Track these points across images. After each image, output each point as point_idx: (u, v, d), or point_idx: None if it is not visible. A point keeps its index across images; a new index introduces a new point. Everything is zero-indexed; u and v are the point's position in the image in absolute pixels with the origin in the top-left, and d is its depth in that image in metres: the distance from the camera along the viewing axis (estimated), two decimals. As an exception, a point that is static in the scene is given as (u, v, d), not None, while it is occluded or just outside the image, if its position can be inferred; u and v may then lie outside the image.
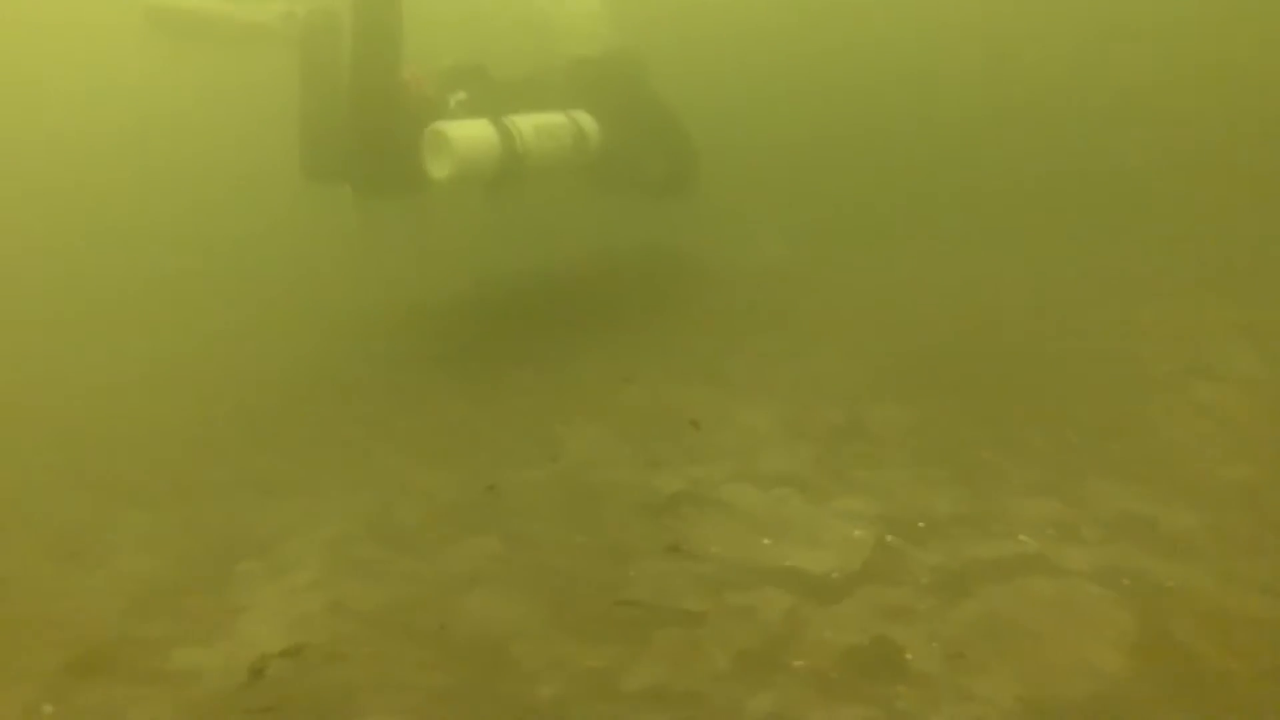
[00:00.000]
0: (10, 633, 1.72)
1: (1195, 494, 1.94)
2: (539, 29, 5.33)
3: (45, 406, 3.53)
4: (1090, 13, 6.66)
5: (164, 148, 7.75)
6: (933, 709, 1.38)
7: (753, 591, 1.69)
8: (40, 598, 1.86)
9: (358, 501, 2.28)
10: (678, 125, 5.00)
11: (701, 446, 2.37)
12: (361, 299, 5.14)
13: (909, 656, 1.48)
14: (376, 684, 1.53)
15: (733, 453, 2.30)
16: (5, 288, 5.44)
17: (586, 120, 4.11)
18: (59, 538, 2.13)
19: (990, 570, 1.71)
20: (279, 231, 6.94)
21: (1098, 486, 2.01)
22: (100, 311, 5.57)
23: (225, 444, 2.84)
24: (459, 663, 1.58)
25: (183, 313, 5.41)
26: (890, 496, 2.00)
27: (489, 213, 4.50)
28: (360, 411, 3.07)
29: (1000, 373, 2.82)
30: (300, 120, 3.79)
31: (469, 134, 3.45)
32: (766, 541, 1.87)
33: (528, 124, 3.70)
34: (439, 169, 3.38)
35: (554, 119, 3.92)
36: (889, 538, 1.82)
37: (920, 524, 1.88)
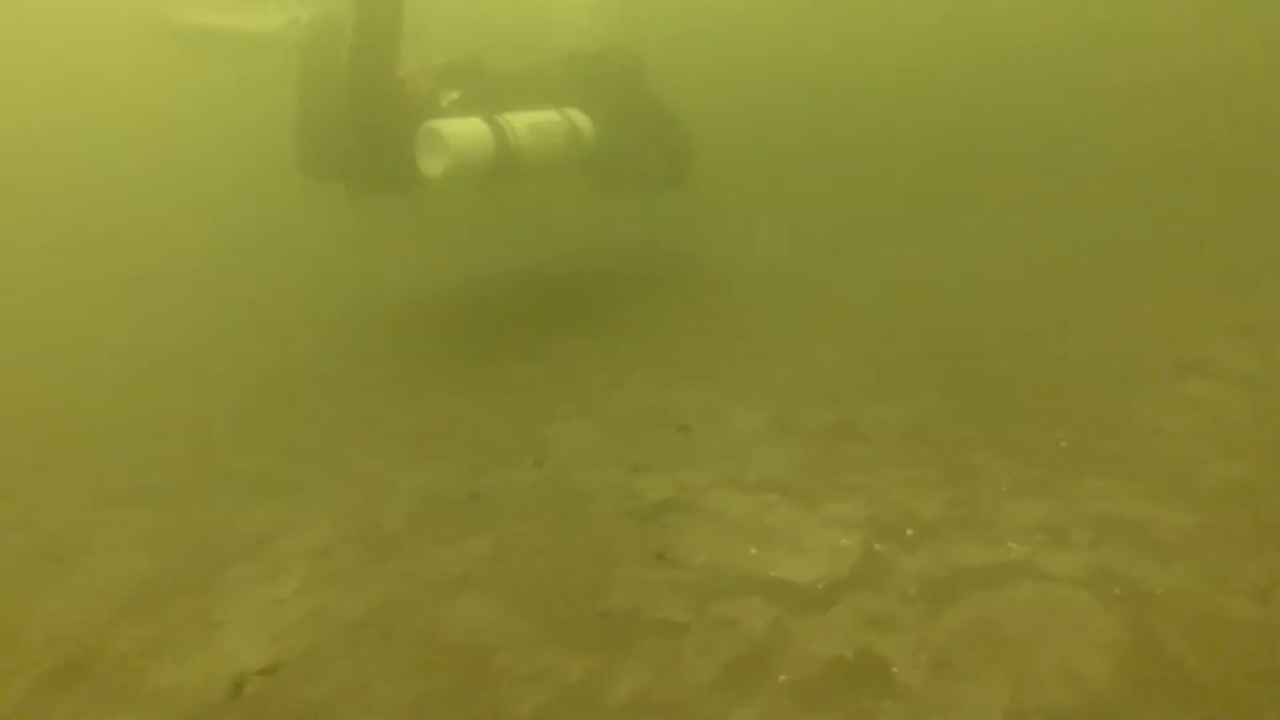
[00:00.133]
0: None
1: (1186, 494, 1.92)
2: (535, 25, 5.29)
3: (38, 406, 3.52)
4: (1089, 13, 6.62)
5: (160, 148, 7.72)
6: (917, 723, 1.36)
7: (737, 601, 1.67)
8: (16, 605, 1.85)
9: (346, 502, 2.27)
10: (674, 121, 4.97)
11: (690, 450, 2.35)
12: (357, 297, 5.13)
13: (894, 669, 1.46)
14: (355, 699, 1.52)
15: (722, 456, 2.28)
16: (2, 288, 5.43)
17: (580, 117, 4.09)
18: (44, 541, 2.12)
19: (978, 578, 1.68)
20: (274, 229, 6.94)
21: (1088, 487, 1.99)
22: (95, 311, 5.57)
23: (217, 443, 2.83)
24: (439, 675, 1.56)
25: (177, 311, 5.41)
26: (879, 501, 1.98)
27: (484, 210, 4.49)
28: (352, 410, 3.06)
29: (994, 371, 2.80)
30: (298, 120, 3.77)
31: (462, 131, 3.42)
32: (753, 550, 1.85)
33: (521, 121, 3.67)
34: (433, 166, 3.36)
35: (548, 116, 3.89)
36: (876, 545, 1.80)
37: (909, 530, 1.86)
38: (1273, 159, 4.97)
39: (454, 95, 3.74)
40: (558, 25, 5.19)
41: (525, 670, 1.56)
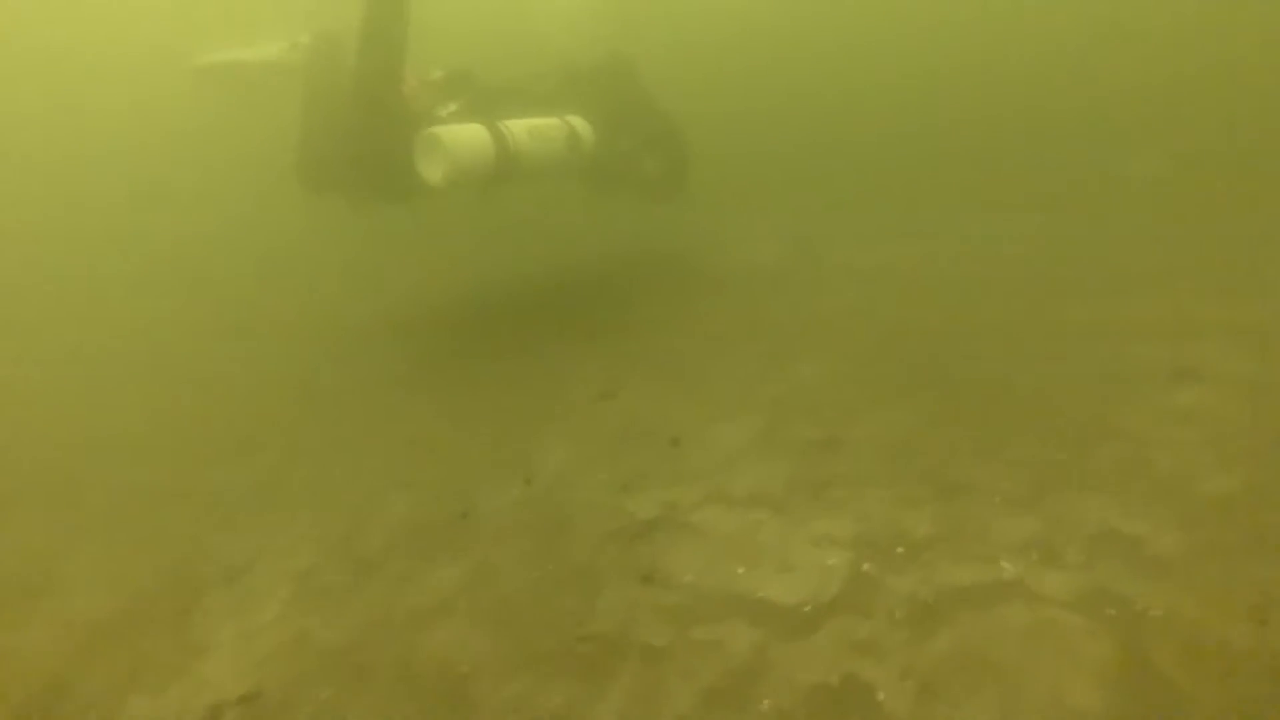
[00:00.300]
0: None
1: (1181, 509, 1.88)
2: (532, 33, 5.31)
3: (24, 424, 3.52)
4: (1088, 15, 6.59)
5: (167, 161, 7.76)
6: (902, 752, 1.33)
7: (721, 625, 1.64)
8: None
9: (331, 524, 2.25)
10: (671, 127, 4.98)
11: (678, 467, 2.32)
12: (351, 307, 5.13)
13: (880, 696, 1.43)
14: (332, 729, 1.49)
15: (710, 473, 2.25)
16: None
17: (580, 123, 4.09)
18: (20, 570, 2.10)
19: (968, 599, 1.65)
20: (262, 240, 6.96)
21: (1080, 503, 1.95)
22: (72, 320, 5.59)
23: (199, 463, 2.82)
24: (417, 705, 1.54)
25: (159, 325, 5.41)
26: (868, 519, 1.94)
27: (483, 215, 4.48)
28: (337, 428, 3.05)
29: (988, 379, 2.75)
30: (301, 134, 3.78)
31: (462, 137, 3.43)
32: (740, 570, 1.82)
33: (521, 127, 3.69)
34: (433, 172, 3.36)
35: (547, 121, 3.90)
36: (865, 565, 1.76)
37: (898, 549, 1.82)
38: (1274, 159, 4.92)
39: (452, 107, 3.75)
40: (555, 32, 5.21)
41: (505, 698, 1.53)
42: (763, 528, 1.96)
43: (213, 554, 2.09)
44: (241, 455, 2.87)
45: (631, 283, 5.11)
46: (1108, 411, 2.42)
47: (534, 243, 6.10)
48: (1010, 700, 1.41)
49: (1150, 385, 2.54)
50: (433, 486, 2.40)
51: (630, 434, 2.59)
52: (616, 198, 5.11)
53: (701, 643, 1.60)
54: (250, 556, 2.05)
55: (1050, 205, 5.34)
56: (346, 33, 3.58)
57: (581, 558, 1.94)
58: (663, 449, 2.43)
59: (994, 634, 1.56)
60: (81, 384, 4.18)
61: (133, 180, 7.82)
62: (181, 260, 6.91)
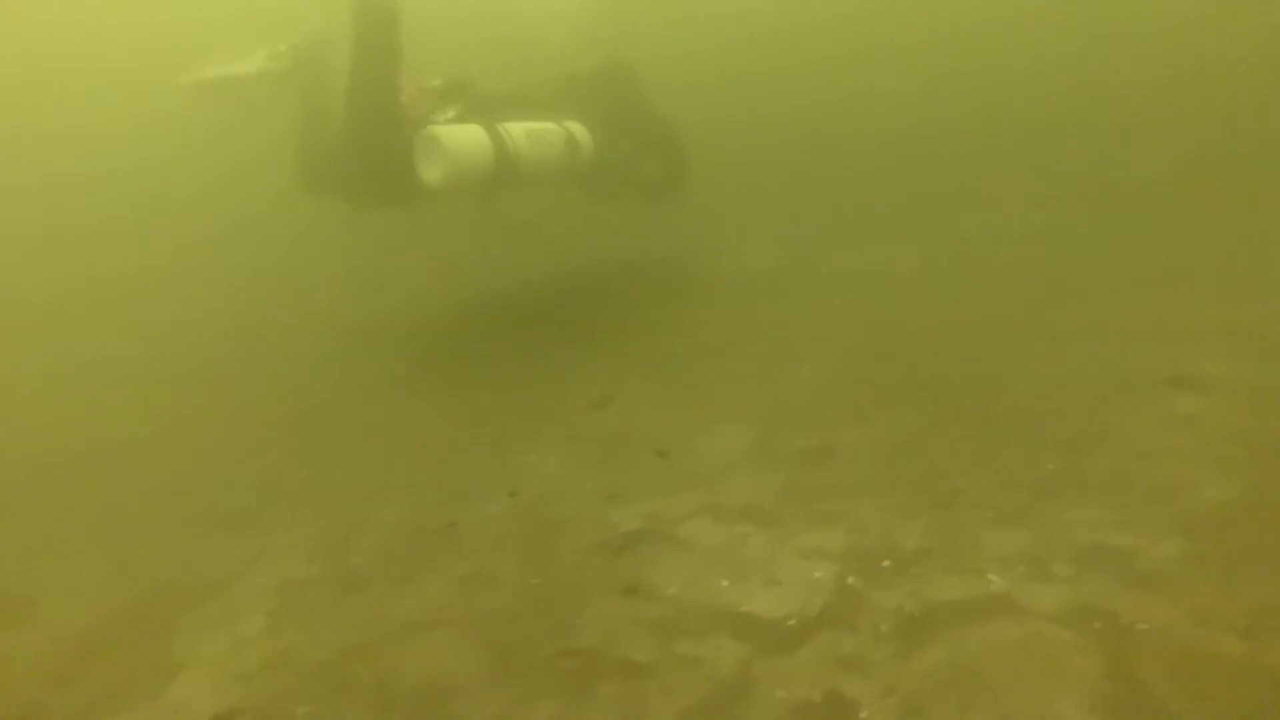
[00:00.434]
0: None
1: (1172, 521, 1.85)
2: (528, 38, 5.32)
3: (8, 423, 3.51)
4: (1083, 17, 6.57)
5: (155, 154, 7.76)
6: (885, 772, 1.31)
7: (705, 640, 1.62)
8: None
9: (318, 536, 2.24)
10: (669, 132, 5.00)
11: (667, 477, 2.30)
12: (345, 313, 5.13)
13: (863, 714, 1.41)
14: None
15: (699, 484, 2.23)
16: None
17: (578, 128, 4.11)
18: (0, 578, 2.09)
19: (955, 614, 1.63)
20: (262, 245, 6.97)
21: (1072, 514, 1.93)
22: (73, 322, 5.60)
23: (193, 469, 2.81)
24: (397, 721, 1.52)
25: (160, 328, 5.42)
26: (856, 530, 1.93)
27: (482, 218, 4.48)
28: (325, 437, 3.04)
29: (982, 384, 2.73)
30: (299, 140, 3.79)
31: (461, 138, 3.44)
32: (725, 583, 1.80)
33: (519, 130, 3.71)
34: (431, 172, 3.37)
35: (546, 126, 3.92)
36: (850, 579, 1.74)
37: (886, 562, 1.80)
38: (1273, 159, 4.89)
39: (451, 114, 3.77)
40: (551, 35, 5.21)
41: (486, 716, 1.52)
42: (750, 540, 1.94)
43: (201, 565, 2.08)
44: (236, 461, 2.87)
45: (628, 286, 5.11)
46: (1104, 418, 2.39)
47: (533, 246, 6.10)
48: (995, 716, 1.39)
49: (1147, 390, 2.51)
50: (423, 494, 2.39)
51: (621, 442, 2.58)
52: (615, 202, 5.12)
53: (684, 658, 1.58)
54: (238, 567, 2.04)
55: (1050, 205, 5.32)
56: (329, 35, 3.59)
57: (567, 570, 1.92)
58: (652, 458, 2.42)
59: (980, 649, 1.54)
60: (82, 387, 4.19)
61: (135, 184, 7.84)
62: (182, 263, 6.93)
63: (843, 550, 1.86)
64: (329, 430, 3.10)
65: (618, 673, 1.56)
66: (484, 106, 3.82)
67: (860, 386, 2.83)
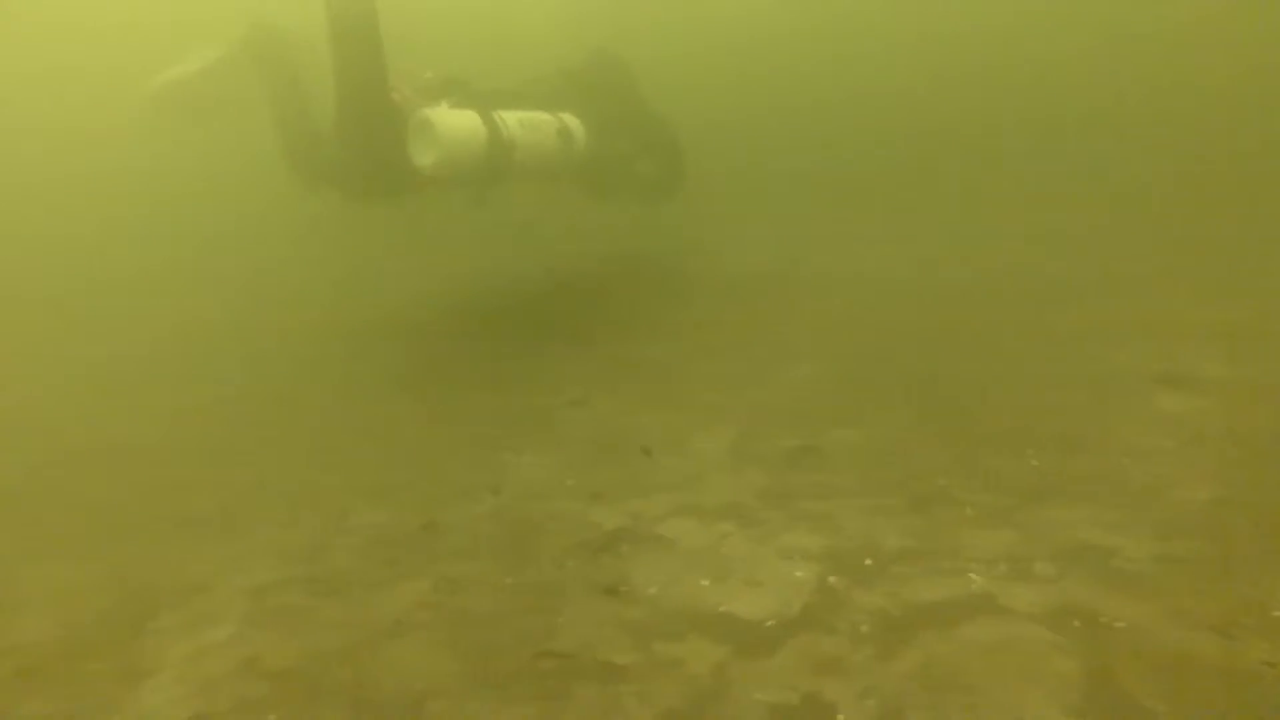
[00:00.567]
0: None
1: (1153, 520, 1.85)
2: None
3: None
4: (1083, 18, 6.58)
5: (148, 152, 7.66)
6: (862, 775, 1.30)
7: (684, 642, 1.60)
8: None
9: (292, 539, 2.20)
10: (666, 130, 5.00)
11: (650, 476, 2.28)
12: (332, 311, 5.08)
13: (841, 718, 1.39)
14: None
15: (680, 483, 2.22)
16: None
17: (572, 120, 4.10)
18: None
19: (935, 614, 1.61)
20: (250, 247, 6.90)
21: (1054, 513, 1.92)
22: (44, 319, 5.52)
23: (170, 477, 2.76)
24: (369, 727, 1.50)
25: (148, 330, 5.35)
26: (838, 530, 1.91)
27: (474, 218, 4.44)
28: (314, 437, 3.01)
29: (968, 385, 2.74)
30: (279, 131, 3.74)
31: (454, 121, 3.43)
32: (705, 583, 1.78)
33: (513, 118, 3.71)
34: (425, 156, 3.35)
35: (539, 115, 3.92)
36: (831, 579, 1.73)
37: (867, 561, 1.79)
38: (1267, 160, 4.92)
39: (445, 106, 3.74)
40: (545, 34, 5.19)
41: None
42: (731, 539, 1.92)
43: (178, 567, 2.04)
44: (223, 462, 2.83)
45: (620, 286, 5.09)
46: (1090, 417, 2.40)
47: (526, 247, 6.06)
48: (971, 719, 1.38)
49: (1133, 391, 2.52)
50: (406, 494, 2.36)
51: (606, 441, 2.56)
52: (612, 201, 5.11)
53: (663, 660, 1.56)
54: (212, 571, 2.00)
55: (1045, 207, 5.34)
56: (279, 23, 3.53)
57: (547, 570, 1.90)
58: (637, 456, 2.40)
59: (960, 650, 1.53)
60: (74, 387, 4.13)
61: (129, 184, 7.74)
62: (176, 264, 6.85)
63: (824, 550, 1.84)
64: (318, 430, 3.06)
65: (596, 675, 1.54)
66: (478, 101, 3.81)
67: (848, 386, 2.82)
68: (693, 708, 1.44)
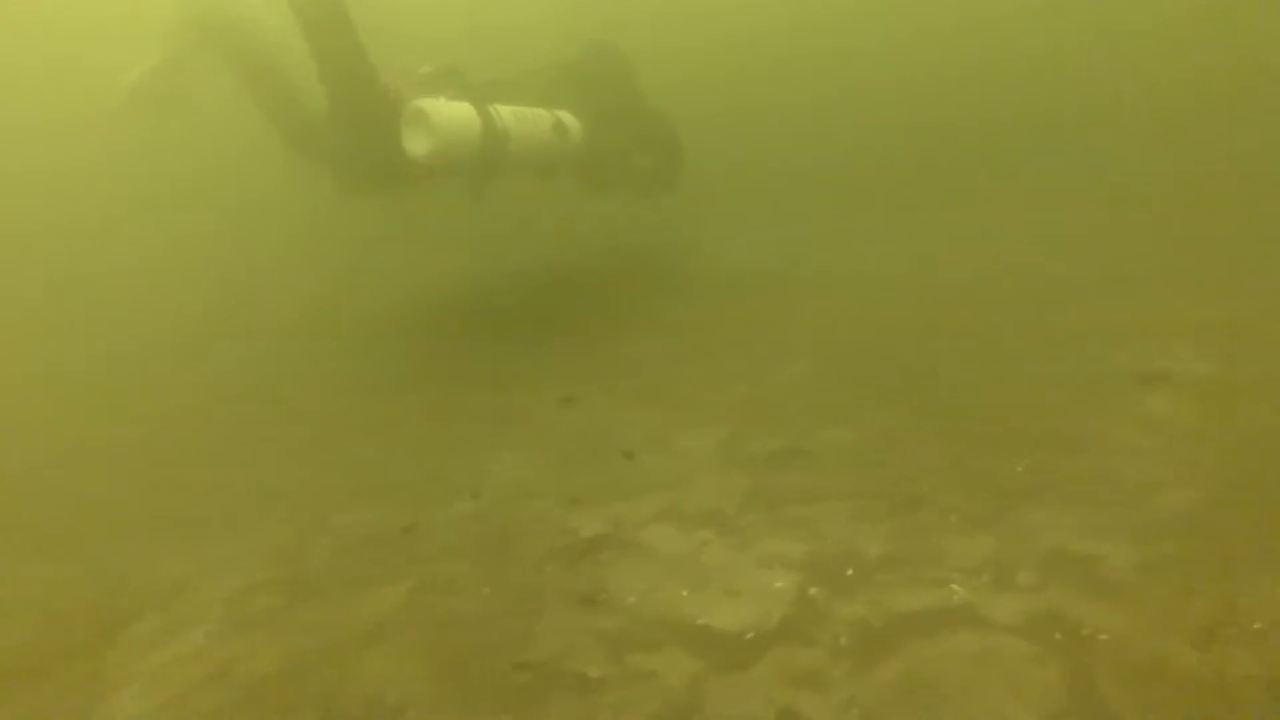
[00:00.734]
0: None
1: (1137, 526, 1.83)
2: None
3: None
4: (1083, 15, 6.55)
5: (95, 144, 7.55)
6: (838, 792, 1.28)
7: (660, 654, 1.58)
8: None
9: (275, 541, 2.17)
10: (664, 125, 4.96)
11: (632, 479, 2.25)
12: (322, 306, 5.03)
13: (817, 731, 1.38)
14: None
15: (663, 486, 2.19)
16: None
17: (567, 115, 4.08)
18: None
19: (916, 625, 1.60)
20: (239, 245, 6.83)
21: (1039, 518, 1.90)
22: (32, 318, 5.45)
23: (153, 477, 2.72)
24: (340, 740, 1.47)
25: (126, 326, 5.29)
26: (820, 537, 1.89)
27: (468, 215, 4.40)
28: (298, 437, 2.97)
29: (958, 386, 2.71)
30: (267, 116, 3.68)
31: (448, 111, 3.41)
32: (684, 593, 1.76)
33: (508, 111, 3.70)
34: (418, 146, 3.33)
35: (534, 110, 3.91)
36: (812, 589, 1.71)
37: (849, 570, 1.77)
38: (1262, 160, 4.91)
39: (441, 100, 3.71)
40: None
41: (432, 732, 1.47)
42: (712, 547, 1.90)
43: (152, 573, 2.01)
44: (206, 463, 2.79)
45: (616, 282, 5.06)
46: (1077, 420, 2.38)
47: (517, 244, 6.02)
48: (952, 734, 1.36)
49: (1121, 391, 2.50)
50: (382, 503, 2.33)
51: (589, 442, 2.53)
52: (609, 195, 5.08)
53: (638, 672, 1.54)
54: (188, 576, 1.97)
55: (1040, 205, 5.32)
56: (230, 4, 3.45)
57: (524, 577, 1.87)
58: (619, 460, 2.37)
59: (940, 662, 1.51)
60: (61, 386, 4.08)
61: (121, 181, 7.65)
62: (165, 262, 6.78)
63: (805, 558, 1.82)
64: (302, 430, 3.03)
65: (570, 687, 1.52)
66: (474, 94, 3.78)
67: (836, 387, 2.80)
68: (668, 722, 1.42)
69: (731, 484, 2.17)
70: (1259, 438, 2.16)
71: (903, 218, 5.60)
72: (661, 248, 5.74)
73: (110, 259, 6.89)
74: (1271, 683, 1.37)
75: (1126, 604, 1.61)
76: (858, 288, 4.15)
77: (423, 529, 2.13)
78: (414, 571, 1.94)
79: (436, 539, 2.08)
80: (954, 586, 1.70)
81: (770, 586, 1.73)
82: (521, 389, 3.14)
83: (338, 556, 2.06)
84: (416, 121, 3.33)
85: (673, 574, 1.82)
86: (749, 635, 1.60)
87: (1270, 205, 4.43)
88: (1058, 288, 3.75)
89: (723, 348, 3.41)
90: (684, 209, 5.76)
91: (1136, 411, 2.38)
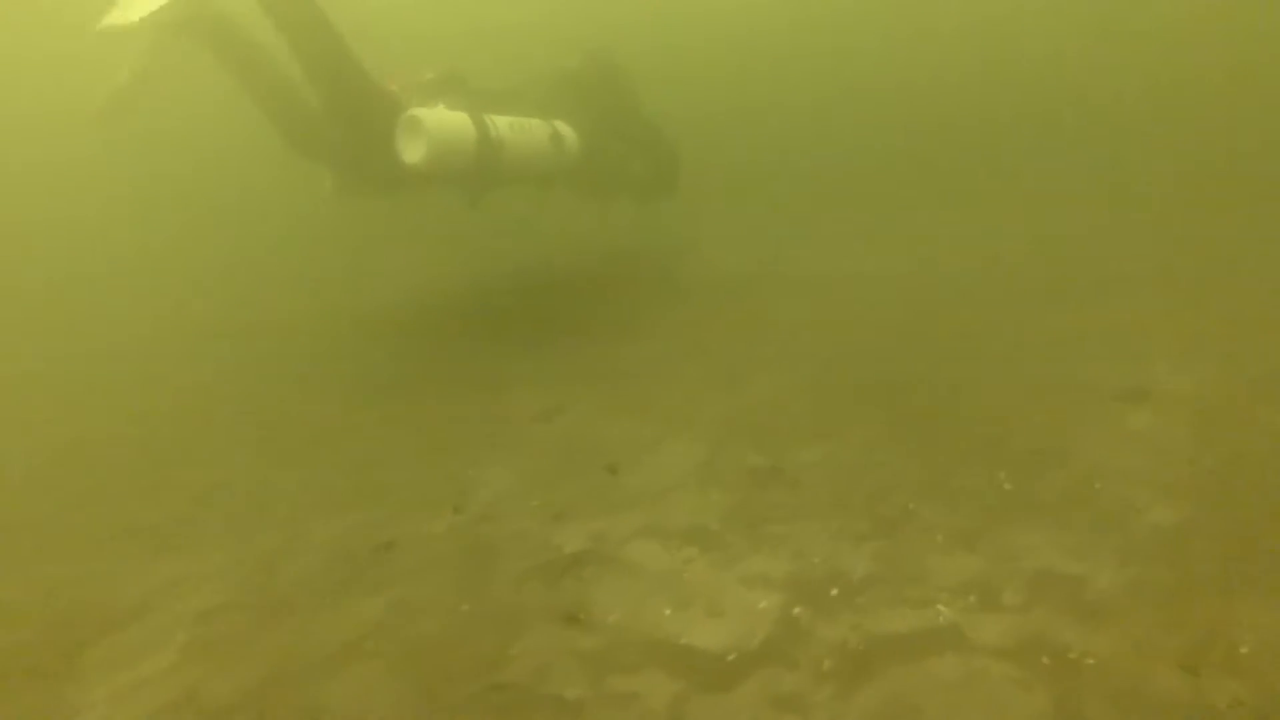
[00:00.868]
0: None
1: (1122, 546, 1.81)
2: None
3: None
4: (1082, 15, 6.51)
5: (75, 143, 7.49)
6: (816, 823, 1.25)
7: (641, 675, 1.55)
8: None
9: (247, 556, 2.13)
10: (660, 133, 4.97)
11: (615, 494, 2.22)
12: (309, 319, 4.98)
13: (796, 759, 1.35)
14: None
15: (648, 502, 2.16)
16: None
17: (564, 125, 4.09)
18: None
19: (900, 648, 1.57)
20: (228, 245, 6.79)
21: (1025, 538, 1.88)
22: (31, 319, 5.40)
23: (121, 488, 2.67)
24: (311, 766, 1.44)
25: (113, 327, 5.23)
26: (803, 556, 1.86)
27: (458, 220, 4.37)
28: (271, 447, 2.92)
29: (942, 397, 2.68)
30: (261, 108, 3.64)
31: (443, 119, 3.41)
32: (667, 611, 1.73)
33: (504, 120, 3.70)
34: (413, 153, 3.32)
35: (531, 120, 3.91)
36: (795, 609, 1.68)
37: (833, 590, 1.74)
38: (1269, 160, 4.88)
39: (441, 106, 3.69)
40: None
41: (405, 758, 1.44)
42: (695, 565, 1.87)
43: (118, 590, 1.97)
44: (182, 472, 2.75)
45: (607, 285, 5.04)
46: (1061, 434, 2.35)
47: (517, 242, 5.99)
48: (933, 764, 1.33)
49: (1102, 406, 2.47)
50: (359, 516, 2.28)
51: (570, 458, 2.49)
52: (607, 202, 5.07)
53: (616, 695, 1.51)
54: (157, 591, 1.93)
55: (1037, 205, 5.29)
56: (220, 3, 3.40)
57: (504, 595, 1.84)
58: (602, 474, 2.34)
59: (924, 687, 1.48)
60: (33, 388, 4.04)
61: (113, 181, 7.60)
62: (153, 262, 6.74)
63: (789, 577, 1.79)
64: (295, 434, 2.99)
65: (547, 710, 1.49)
66: (474, 101, 3.77)
67: (819, 398, 2.77)
68: (644, 749, 1.39)
69: (715, 501, 2.14)
70: (1247, 453, 2.14)
71: (903, 218, 5.57)
72: (658, 251, 5.70)
73: (110, 258, 6.85)
74: (1259, 710, 1.34)
75: (1113, 627, 1.58)
76: (855, 289, 4.12)
77: (402, 545, 2.09)
78: (390, 589, 1.90)
79: (416, 554, 2.04)
80: (939, 607, 1.67)
81: (754, 606, 1.70)
82: (512, 395, 3.11)
83: (312, 573, 2.01)
84: (411, 130, 3.32)
85: (655, 592, 1.79)
86: (731, 656, 1.57)
87: (1270, 206, 4.41)
88: (1056, 289, 3.72)
89: (714, 353, 3.38)
90: (682, 211, 5.74)
91: (1119, 428, 2.35)
